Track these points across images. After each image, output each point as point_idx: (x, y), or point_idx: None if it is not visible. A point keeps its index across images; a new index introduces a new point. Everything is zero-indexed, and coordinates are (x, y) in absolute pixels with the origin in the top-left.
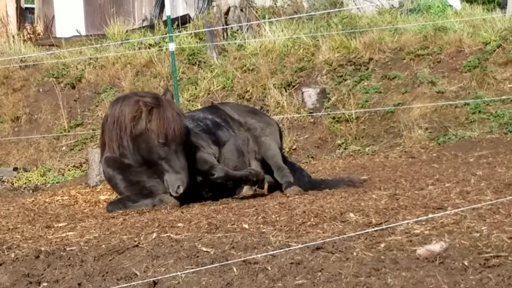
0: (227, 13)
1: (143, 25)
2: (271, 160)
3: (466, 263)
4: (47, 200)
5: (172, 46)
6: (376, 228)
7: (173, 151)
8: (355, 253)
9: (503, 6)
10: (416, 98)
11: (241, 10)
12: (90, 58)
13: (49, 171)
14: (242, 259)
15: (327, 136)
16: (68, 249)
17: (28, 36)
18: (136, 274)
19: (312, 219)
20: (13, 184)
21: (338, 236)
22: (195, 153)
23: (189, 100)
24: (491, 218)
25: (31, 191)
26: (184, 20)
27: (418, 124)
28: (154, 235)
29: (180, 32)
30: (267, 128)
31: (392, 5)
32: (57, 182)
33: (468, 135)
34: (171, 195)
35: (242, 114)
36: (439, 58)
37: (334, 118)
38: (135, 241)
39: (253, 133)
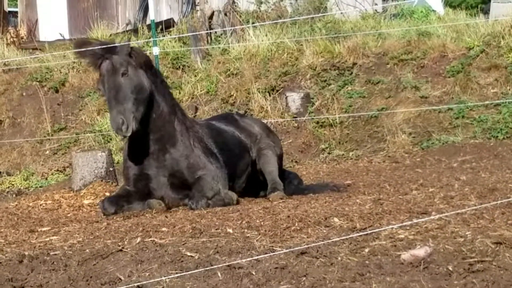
0: (211, 17)
1: (127, 29)
2: (268, 174)
3: (450, 268)
4: (30, 204)
5: (156, 50)
6: (360, 233)
7: (104, 89)
8: (339, 258)
9: (486, 12)
10: (399, 103)
11: (225, 14)
12: (74, 62)
13: (32, 175)
14: (227, 263)
15: (311, 140)
16: (51, 253)
17: (11, 39)
18: (120, 278)
19: (296, 224)
20: None
21: (322, 241)
22: (200, 176)
23: None
24: (475, 223)
25: (14, 195)
26: (168, 24)
27: (401, 129)
28: (138, 239)
29: (164, 36)
30: (273, 145)
31: (376, 10)
32: (40, 186)
33: (451, 140)
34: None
35: (261, 128)
36: (423, 63)
37: (318, 122)
38: (119, 246)
39: (259, 145)
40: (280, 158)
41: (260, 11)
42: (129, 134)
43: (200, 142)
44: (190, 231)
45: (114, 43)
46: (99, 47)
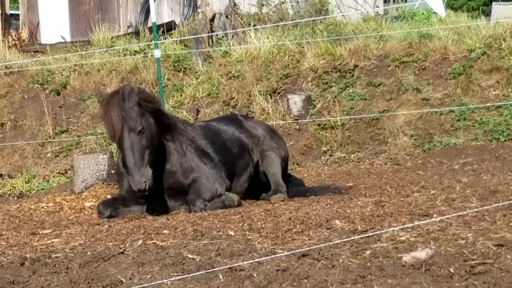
0: (212, 19)
1: (129, 31)
2: (271, 176)
3: (452, 270)
4: (32, 207)
5: (157, 53)
6: (362, 235)
7: (122, 147)
8: (341, 260)
9: (487, 14)
10: (401, 105)
11: (227, 17)
12: (75, 65)
13: (34, 178)
14: (228, 266)
15: (312, 143)
16: (53, 256)
17: (13, 42)
18: (121, 281)
19: (298, 226)
20: None
21: (324, 243)
22: (194, 179)
23: (175, 107)
24: (476, 225)
25: (16, 198)
26: (169, 27)
27: (403, 131)
28: (140, 242)
29: (165, 38)
30: (277, 147)
31: (377, 12)
32: (42, 189)
33: (453, 142)
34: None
35: (264, 130)
36: (424, 65)
37: (319, 125)
38: (121, 248)
39: (262, 147)
40: (284, 160)
41: (261, 13)
42: (148, 191)
43: (192, 144)
44: (192, 233)
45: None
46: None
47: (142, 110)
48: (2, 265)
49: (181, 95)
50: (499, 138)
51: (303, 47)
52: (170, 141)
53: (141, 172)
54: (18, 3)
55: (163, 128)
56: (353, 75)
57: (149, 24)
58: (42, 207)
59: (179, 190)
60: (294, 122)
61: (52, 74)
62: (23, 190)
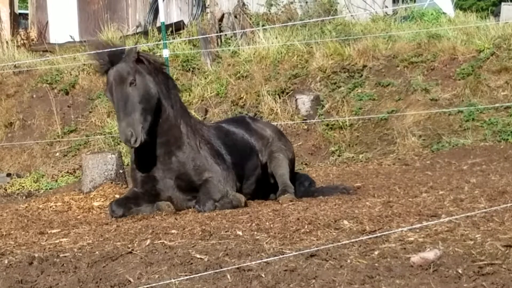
0: (221, 19)
1: (137, 31)
2: (279, 177)
3: (460, 271)
4: (40, 206)
5: (166, 53)
6: (370, 236)
7: (113, 100)
8: (349, 261)
9: (496, 14)
10: (409, 106)
11: (235, 17)
12: (84, 64)
13: (42, 177)
14: (236, 266)
15: (320, 143)
16: (61, 255)
17: (22, 42)
18: (129, 281)
19: (306, 226)
20: (6, 190)
21: (332, 243)
22: (206, 179)
23: None
24: (485, 226)
25: (24, 197)
26: (178, 27)
27: (411, 132)
28: (148, 241)
29: (174, 38)
30: (285, 148)
31: (386, 13)
32: (50, 188)
33: (461, 142)
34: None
35: (273, 131)
36: (433, 65)
37: (327, 125)
38: (129, 248)
39: (271, 148)
40: (292, 162)
41: (270, 13)
42: (137, 145)
43: (207, 143)
44: (200, 233)
45: (123, 46)
46: (106, 49)
47: (141, 69)
48: (10, 264)
49: (189, 95)
50: (507, 139)
51: (311, 47)
52: (185, 135)
53: (127, 121)
54: (27, 3)
55: (168, 90)
56: (361, 75)
57: (158, 24)
58: (50, 207)
59: (188, 184)
60: (303, 122)
61: (60, 74)
62: (32, 190)
